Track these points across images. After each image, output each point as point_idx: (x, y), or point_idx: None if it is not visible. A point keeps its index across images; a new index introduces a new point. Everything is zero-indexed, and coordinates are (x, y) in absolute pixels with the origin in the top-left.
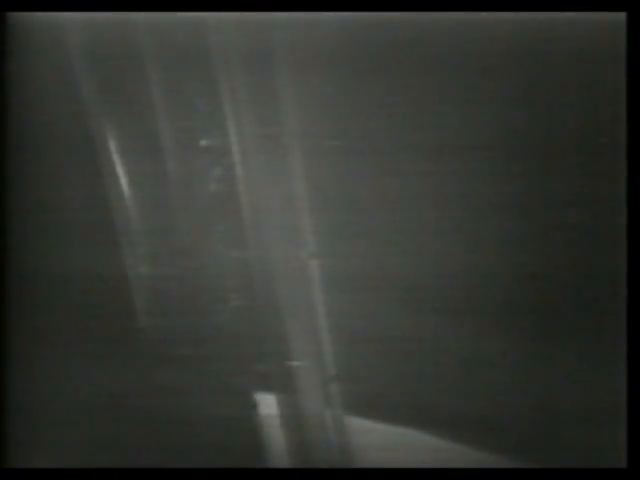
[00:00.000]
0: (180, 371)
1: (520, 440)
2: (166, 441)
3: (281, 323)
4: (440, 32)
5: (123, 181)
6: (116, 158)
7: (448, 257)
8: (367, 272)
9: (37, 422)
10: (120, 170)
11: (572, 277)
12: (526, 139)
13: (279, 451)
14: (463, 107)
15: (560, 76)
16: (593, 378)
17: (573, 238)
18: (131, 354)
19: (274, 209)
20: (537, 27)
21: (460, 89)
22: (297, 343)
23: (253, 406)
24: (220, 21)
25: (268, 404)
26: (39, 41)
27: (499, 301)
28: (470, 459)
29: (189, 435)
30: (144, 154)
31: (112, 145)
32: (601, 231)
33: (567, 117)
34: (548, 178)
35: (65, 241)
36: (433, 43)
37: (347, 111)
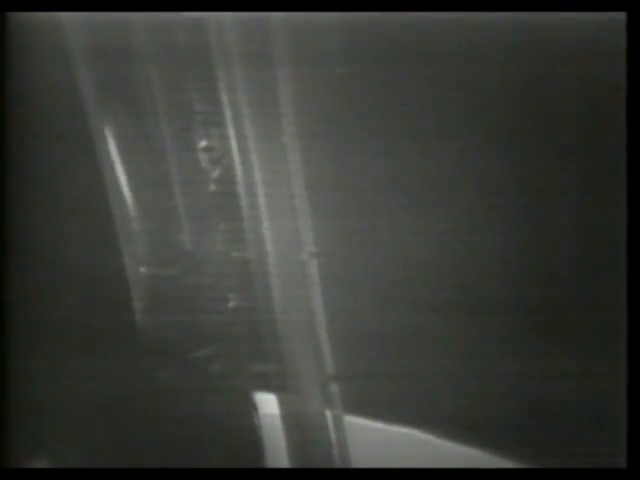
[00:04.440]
0: (179, 371)
1: None
2: (166, 440)
3: (280, 322)
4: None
5: (123, 181)
6: (116, 158)
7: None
8: (366, 271)
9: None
10: (120, 169)
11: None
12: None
13: (279, 451)
14: None
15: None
16: None
17: None
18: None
19: (273, 208)
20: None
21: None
22: (296, 343)
23: (253, 406)
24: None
25: (268, 404)
26: (39, 41)
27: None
28: None
29: (188, 435)
30: (144, 154)
31: (112, 144)
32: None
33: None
34: None
35: (64, 240)
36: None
37: (346, 111)
